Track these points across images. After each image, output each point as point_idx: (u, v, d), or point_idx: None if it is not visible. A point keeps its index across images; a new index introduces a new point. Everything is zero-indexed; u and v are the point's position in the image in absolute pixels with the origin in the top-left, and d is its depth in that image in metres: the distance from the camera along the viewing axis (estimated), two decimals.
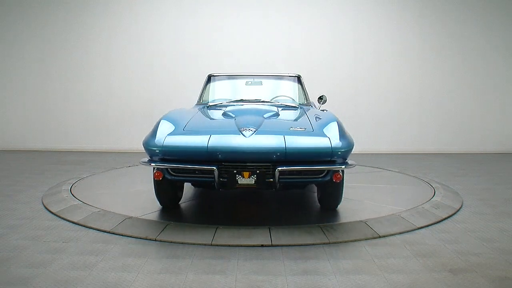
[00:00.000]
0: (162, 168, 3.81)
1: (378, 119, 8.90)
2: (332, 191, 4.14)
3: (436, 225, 3.92)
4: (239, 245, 3.38)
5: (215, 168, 3.61)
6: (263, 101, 5.14)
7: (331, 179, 3.76)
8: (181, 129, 3.99)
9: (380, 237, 3.59)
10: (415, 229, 3.78)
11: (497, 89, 8.97)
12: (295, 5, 8.85)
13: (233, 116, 4.32)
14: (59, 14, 8.91)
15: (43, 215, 4.20)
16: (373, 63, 8.87)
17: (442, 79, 8.92)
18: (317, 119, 4.28)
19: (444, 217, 4.14)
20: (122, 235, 3.61)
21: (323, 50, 8.87)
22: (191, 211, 4.52)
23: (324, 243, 3.43)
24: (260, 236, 3.52)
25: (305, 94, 5.54)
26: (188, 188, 4.96)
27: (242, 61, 8.65)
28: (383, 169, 6.78)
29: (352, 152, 3.81)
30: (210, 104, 5.25)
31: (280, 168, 3.59)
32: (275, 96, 5.41)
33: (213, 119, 4.67)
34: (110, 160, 7.67)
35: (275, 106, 4.93)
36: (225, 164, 3.66)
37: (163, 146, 3.75)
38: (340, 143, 3.71)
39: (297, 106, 5.14)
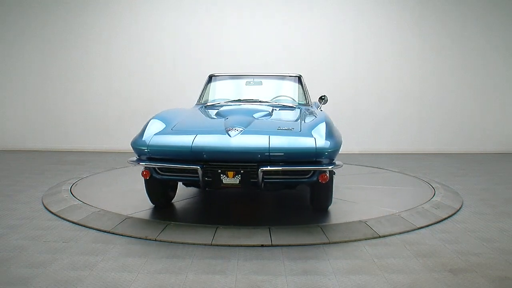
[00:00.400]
0: (149, 167, 3.83)
1: (378, 119, 8.90)
2: (320, 192, 4.08)
3: (436, 225, 3.92)
4: (239, 245, 3.38)
5: (198, 167, 3.61)
6: (260, 101, 5.11)
7: (318, 179, 3.69)
8: (170, 128, 4.00)
9: (380, 237, 3.59)
10: (415, 229, 3.78)
11: (497, 89, 8.97)
12: (295, 5, 8.85)
13: (225, 116, 4.32)
14: (59, 14, 8.92)
15: (43, 215, 4.20)
16: (373, 63, 8.87)
17: (442, 79, 8.92)
18: (309, 119, 4.23)
19: (444, 217, 4.14)
20: (122, 235, 3.62)
21: (323, 50, 8.87)
22: (191, 211, 4.52)
23: (324, 243, 3.43)
24: (260, 236, 3.52)
25: (305, 94, 5.51)
26: (188, 188, 4.95)
27: (242, 61, 8.65)
28: (383, 169, 6.77)
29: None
30: (209, 104, 5.25)
31: (263, 168, 3.55)
32: (275, 96, 5.40)
33: (205, 119, 4.67)
34: (110, 160, 7.67)
35: (271, 106, 4.89)
36: (210, 164, 3.65)
37: (148, 146, 3.77)
38: (327, 143, 3.62)
39: (295, 106, 5.10)
